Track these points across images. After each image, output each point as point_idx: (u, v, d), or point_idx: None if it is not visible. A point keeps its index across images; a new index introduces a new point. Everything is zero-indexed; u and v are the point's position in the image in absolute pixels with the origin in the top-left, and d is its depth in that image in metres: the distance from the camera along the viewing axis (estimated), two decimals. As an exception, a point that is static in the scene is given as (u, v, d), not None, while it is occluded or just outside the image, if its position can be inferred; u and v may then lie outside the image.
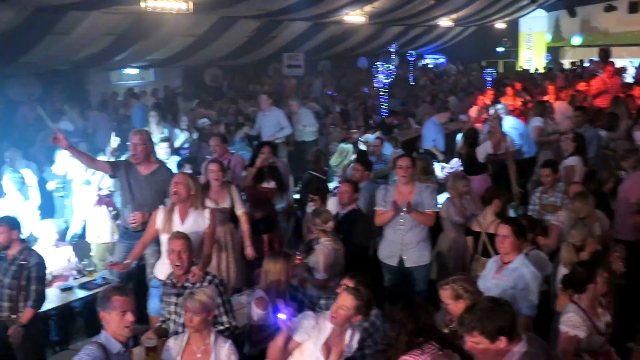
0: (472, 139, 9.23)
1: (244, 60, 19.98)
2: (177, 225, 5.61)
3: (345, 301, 4.27)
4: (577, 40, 25.78)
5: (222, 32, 16.50)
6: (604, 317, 4.57)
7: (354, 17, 17.95)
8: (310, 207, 7.37)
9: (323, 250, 6.09)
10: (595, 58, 19.41)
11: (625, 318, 5.42)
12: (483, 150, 8.93)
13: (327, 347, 4.35)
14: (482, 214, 6.60)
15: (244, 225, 6.91)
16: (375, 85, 16.57)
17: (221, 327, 4.81)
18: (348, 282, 4.76)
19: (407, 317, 4.03)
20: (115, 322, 3.97)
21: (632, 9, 22.93)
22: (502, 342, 3.29)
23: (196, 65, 19.49)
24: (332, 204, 7.17)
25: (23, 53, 12.94)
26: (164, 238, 5.55)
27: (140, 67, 19.15)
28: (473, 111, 12.62)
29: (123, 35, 14.42)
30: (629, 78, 17.37)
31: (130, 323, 4.00)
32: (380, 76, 16.13)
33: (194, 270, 4.99)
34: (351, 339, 4.40)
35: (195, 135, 11.69)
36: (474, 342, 3.30)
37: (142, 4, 11.95)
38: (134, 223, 6.20)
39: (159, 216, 5.71)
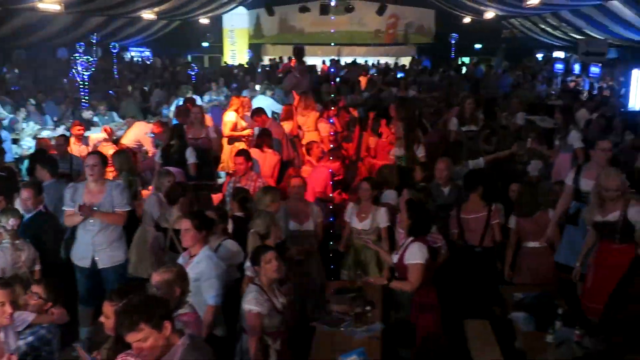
0: (179, 132, 9.30)
1: None
2: None
3: None
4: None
5: None
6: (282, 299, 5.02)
7: (48, 5, 16.83)
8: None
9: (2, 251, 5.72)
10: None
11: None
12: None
13: None
14: (169, 211, 6.64)
15: None
16: (76, 77, 15.85)
17: None
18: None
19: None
20: None
21: (323, 11, 24.86)
22: (167, 329, 3.34)
23: None
24: (18, 206, 6.71)
25: None
26: None
27: None
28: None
29: None
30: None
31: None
32: (79, 68, 15.45)
33: None
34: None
35: None
36: (141, 339, 3.28)
37: None
38: None
39: None
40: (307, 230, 6.87)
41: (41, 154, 8.50)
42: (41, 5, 16.84)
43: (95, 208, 6.08)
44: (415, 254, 5.72)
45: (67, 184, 6.65)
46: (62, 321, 5.09)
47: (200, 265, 5.13)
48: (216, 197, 8.12)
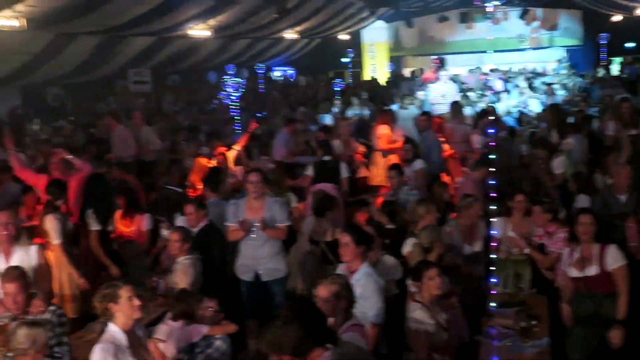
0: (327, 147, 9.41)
1: (88, 78, 19.22)
2: (2, 264, 5.42)
3: None
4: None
5: (61, 49, 15.78)
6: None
7: (199, 31, 17.79)
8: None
9: (183, 269, 5.99)
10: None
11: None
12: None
13: None
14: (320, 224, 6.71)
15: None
16: (225, 99, 16.57)
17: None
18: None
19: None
20: None
21: (463, 19, 24.41)
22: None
23: (35, 84, 18.50)
24: (181, 222, 7.09)
25: None
26: None
27: (-27, 88, 17.89)
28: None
29: (-47, 56, 13.44)
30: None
31: None
32: (230, 89, 16.13)
33: (35, 302, 4.79)
34: None
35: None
36: None
37: (-33, 22, 11.22)
38: None
39: None
40: (476, 252, 6.64)
41: (213, 172, 8.85)
42: (192, 33, 17.82)
43: (256, 224, 6.27)
44: (616, 257, 5.28)
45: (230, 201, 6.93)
46: (231, 332, 5.30)
47: (361, 283, 5.04)
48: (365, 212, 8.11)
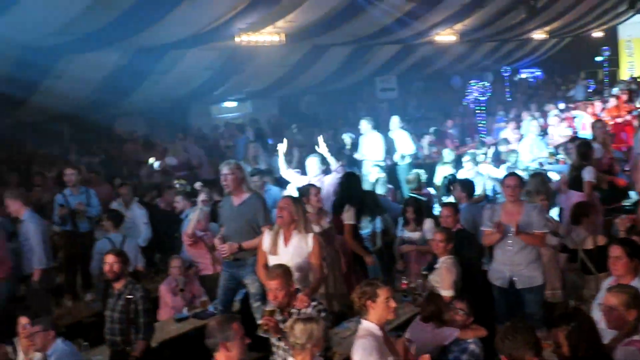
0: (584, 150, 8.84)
1: (338, 86, 20.18)
2: (281, 248, 5.76)
3: None
4: None
5: (315, 60, 16.75)
6: None
7: (445, 36, 17.81)
8: (403, 230, 7.43)
9: (447, 267, 6.04)
10: None
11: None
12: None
13: None
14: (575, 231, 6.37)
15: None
16: (470, 103, 16.43)
17: None
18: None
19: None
20: (239, 347, 4.03)
21: None
22: None
23: (291, 94, 19.84)
24: (429, 225, 7.15)
25: (128, 93, 13.58)
26: (271, 260, 5.69)
27: (238, 100, 19.66)
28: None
29: (220, 70, 14.88)
30: None
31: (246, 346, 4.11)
32: (475, 94, 15.96)
33: (299, 297, 5.05)
34: None
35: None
36: None
37: (237, 39, 12.32)
38: (223, 254, 6.32)
39: (265, 239, 5.86)
40: None
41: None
42: (438, 38, 17.90)
43: (512, 229, 6.11)
44: None
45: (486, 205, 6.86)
46: (481, 336, 5.22)
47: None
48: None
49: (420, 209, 7.57)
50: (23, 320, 5.44)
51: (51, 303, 7.75)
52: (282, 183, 9.66)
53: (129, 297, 5.76)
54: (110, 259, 5.80)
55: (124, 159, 13.98)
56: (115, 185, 10.44)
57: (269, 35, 12.76)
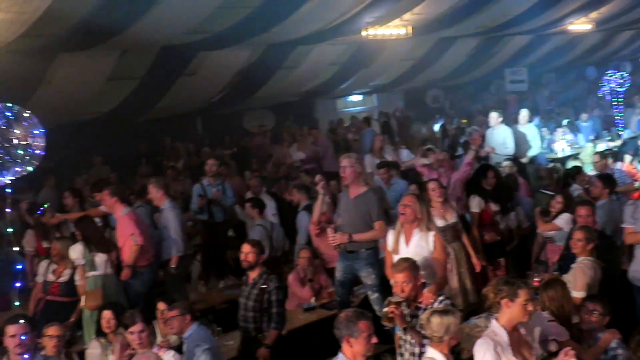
0: None
1: (464, 79, 19.82)
2: (402, 247, 5.73)
3: None
4: None
5: (441, 53, 16.54)
6: None
7: (579, 25, 17.02)
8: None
9: (582, 268, 5.80)
10: None
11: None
12: None
13: None
14: None
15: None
16: (606, 94, 15.61)
17: None
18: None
19: None
20: (361, 345, 4.05)
21: None
22: None
23: (417, 87, 19.69)
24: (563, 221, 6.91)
25: (258, 88, 13.98)
26: (393, 259, 5.68)
27: (364, 93, 19.76)
28: None
29: (346, 65, 15.02)
30: None
31: (373, 346, 4.09)
32: (612, 84, 15.17)
33: (425, 293, 5.02)
34: None
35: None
36: None
37: (363, 33, 12.34)
38: (333, 243, 6.35)
39: (389, 238, 5.87)
40: None
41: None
42: (572, 27, 17.14)
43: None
44: None
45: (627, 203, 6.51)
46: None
47: None
48: None
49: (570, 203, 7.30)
50: (161, 306, 5.76)
51: (186, 289, 8.13)
52: (409, 176, 9.60)
53: (263, 286, 5.87)
54: (246, 248, 5.93)
55: (253, 152, 14.40)
56: (246, 177, 10.77)
57: (396, 29, 12.67)
